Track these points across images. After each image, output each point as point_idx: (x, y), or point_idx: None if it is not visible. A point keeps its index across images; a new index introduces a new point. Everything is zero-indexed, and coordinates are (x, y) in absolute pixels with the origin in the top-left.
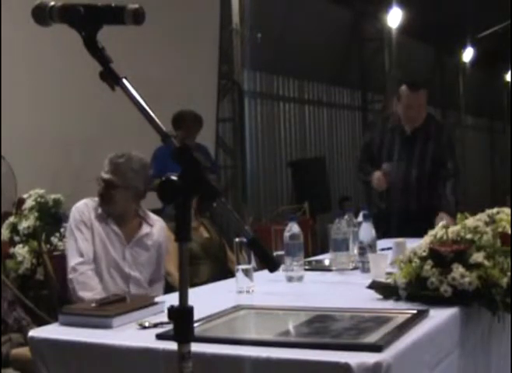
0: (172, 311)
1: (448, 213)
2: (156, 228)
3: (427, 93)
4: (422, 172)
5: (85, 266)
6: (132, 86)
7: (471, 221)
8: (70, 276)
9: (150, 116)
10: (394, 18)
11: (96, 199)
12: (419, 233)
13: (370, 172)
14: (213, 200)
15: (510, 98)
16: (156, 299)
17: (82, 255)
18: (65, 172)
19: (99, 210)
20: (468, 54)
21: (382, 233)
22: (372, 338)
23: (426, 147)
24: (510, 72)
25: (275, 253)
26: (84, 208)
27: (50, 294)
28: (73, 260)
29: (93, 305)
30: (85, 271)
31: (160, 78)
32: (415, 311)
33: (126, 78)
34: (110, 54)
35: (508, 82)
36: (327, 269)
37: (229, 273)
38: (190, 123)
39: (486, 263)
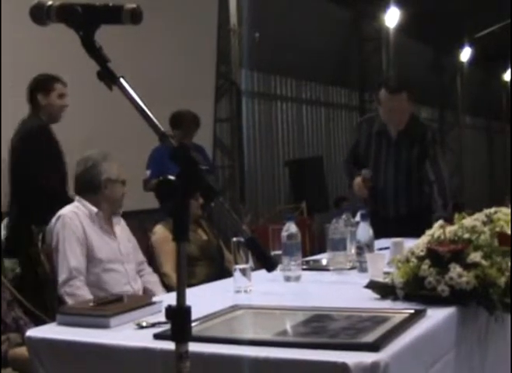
0: (169, 310)
1: (441, 218)
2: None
3: (413, 94)
4: (408, 175)
5: (73, 281)
6: (130, 86)
7: (468, 221)
8: (60, 292)
9: (148, 115)
10: (392, 18)
11: (86, 203)
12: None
13: (354, 175)
14: (211, 200)
15: (510, 97)
16: (154, 299)
17: (70, 271)
18: None
19: (96, 213)
20: (465, 54)
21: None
22: (369, 338)
23: (411, 150)
24: (508, 71)
25: (272, 253)
26: (73, 217)
27: (47, 293)
28: (61, 276)
29: (91, 304)
30: (74, 283)
31: (158, 78)
32: (412, 311)
33: (124, 78)
34: (108, 54)
35: (506, 82)
36: (325, 268)
37: (226, 274)
38: (188, 122)
39: (484, 262)
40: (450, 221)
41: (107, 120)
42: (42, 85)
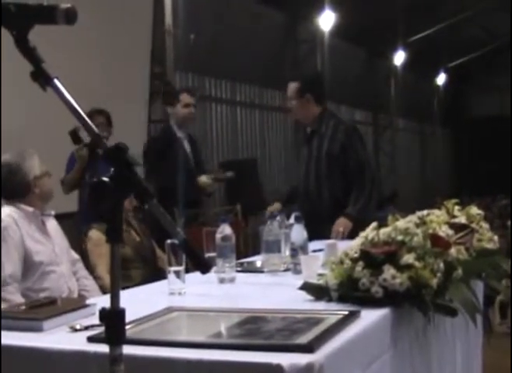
0: (103, 313)
1: (347, 217)
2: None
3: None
4: (319, 171)
5: (6, 287)
6: (64, 87)
7: (401, 223)
8: None
9: (82, 117)
10: (327, 20)
11: (20, 205)
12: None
13: None
14: (145, 202)
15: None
16: (88, 301)
17: (5, 277)
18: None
19: (32, 213)
20: (399, 57)
21: None
22: (304, 339)
23: (321, 144)
24: (440, 75)
25: (206, 255)
26: (11, 222)
27: None
28: None
29: (23, 308)
30: (7, 289)
31: (92, 79)
32: (346, 312)
33: (58, 79)
34: (42, 54)
35: (438, 85)
36: (259, 270)
37: (160, 275)
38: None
39: (417, 264)
40: (354, 219)
41: (40, 118)
42: (167, 98)
